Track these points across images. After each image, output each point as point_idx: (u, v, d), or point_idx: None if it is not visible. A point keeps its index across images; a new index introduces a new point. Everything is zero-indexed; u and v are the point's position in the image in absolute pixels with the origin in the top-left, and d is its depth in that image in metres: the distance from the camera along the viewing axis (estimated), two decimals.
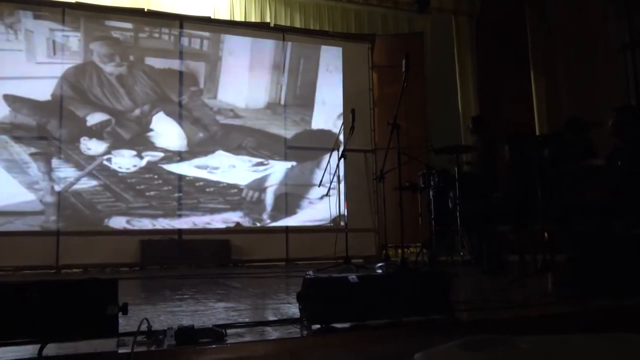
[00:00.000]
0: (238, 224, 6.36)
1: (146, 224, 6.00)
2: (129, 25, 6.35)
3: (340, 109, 7.06)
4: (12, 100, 5.67)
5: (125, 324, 1.87)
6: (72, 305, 1.65)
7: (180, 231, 6.14)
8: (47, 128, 5.77)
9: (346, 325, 1.95)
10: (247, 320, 2.11)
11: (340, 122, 6.38)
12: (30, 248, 5.56)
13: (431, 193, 5.12)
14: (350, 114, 5.09)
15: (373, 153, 7.15)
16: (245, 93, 6.67)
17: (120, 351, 1.65)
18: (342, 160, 5.17)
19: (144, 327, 1.76)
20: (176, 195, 6.18)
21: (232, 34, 6.86)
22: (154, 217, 6.03)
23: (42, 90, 5.79)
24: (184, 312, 2.46)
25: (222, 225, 6.27)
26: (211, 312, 2.45)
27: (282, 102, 6.85)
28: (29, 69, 5.77)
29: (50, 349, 1.61)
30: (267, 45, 6.94)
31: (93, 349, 1.66)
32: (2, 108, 5.64)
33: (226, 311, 2.48)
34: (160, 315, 2.32)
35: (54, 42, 5.92)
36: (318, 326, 1.92)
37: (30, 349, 1.60)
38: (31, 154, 5.68)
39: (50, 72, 5.85)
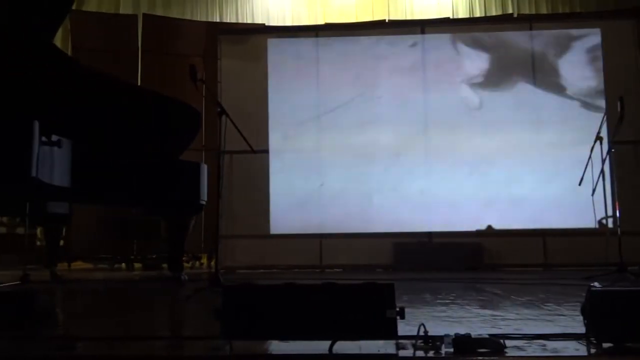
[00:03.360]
0: (490, 226, 6.13)
1: (399, 226, 6.19)
2: None
3: (602, 97, 6.29)
4: None
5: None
6: (355, 306, 1.77)
7: (430, 234, 6.18)
8: None
9: None
10: (523, 331, 2.00)
11: (602, 111, 5.67)
12: (299, 249, 6.22)
13: None
14: (617, 101, 4.51)
15: None
16: None
17: (400, 354, 1.72)
18: (608, 154, 4.61)
19: (416, 332, 1.80)
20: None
21: (475, 32, 6.64)
22: (406, 219, 6.19)
23: None
24: (451, 318, 2.45)
25: (473, 228, 6.12)
26: (479, 319, 2.39)
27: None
28: None
29: (340, 346, 1.75)
30: (513, 38, 6.54)
31: (376, 350, 1.75)
32: None
33: (494, 320, 2.39)
34: (428, 320, 2.34)
35: None
36: (609, 345, 1.72)
37: (322, 345, 1.76)
38: None
39: None
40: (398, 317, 1.76)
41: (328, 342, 1.75)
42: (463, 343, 1.69)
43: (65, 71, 3.67)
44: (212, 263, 7.18)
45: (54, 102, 3.64)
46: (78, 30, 7.13)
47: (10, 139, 2.99)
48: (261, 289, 1.84)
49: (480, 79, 6.41)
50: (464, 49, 6.45)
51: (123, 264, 7.01)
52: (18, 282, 4.23)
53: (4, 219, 7.06)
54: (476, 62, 6.42)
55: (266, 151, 6.32)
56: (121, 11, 8.62)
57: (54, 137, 3.21)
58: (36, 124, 3.02)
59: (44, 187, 3.18)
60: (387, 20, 7.62)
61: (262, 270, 6.10)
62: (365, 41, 6.57)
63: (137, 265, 6.90)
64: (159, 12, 8.86)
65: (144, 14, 7.79)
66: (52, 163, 3.23)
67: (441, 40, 6.50)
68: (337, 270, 6.17)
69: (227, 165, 6.27)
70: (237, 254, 6.21)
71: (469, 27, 6.78)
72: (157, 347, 2.00)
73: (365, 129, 6.37)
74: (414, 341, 1.75)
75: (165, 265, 6.45)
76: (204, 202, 4.33)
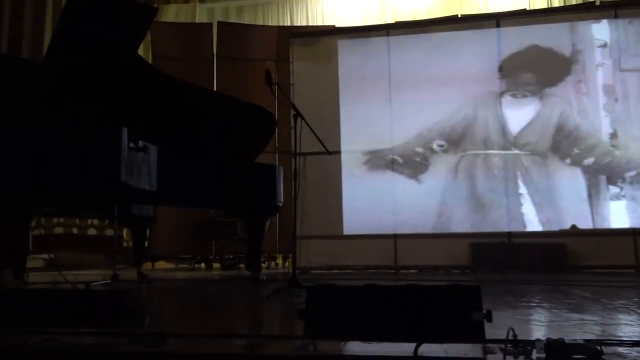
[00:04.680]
0: (574, 226, 5.82)
1: (476, 226, 6.01)
2: None
3: None
4: None
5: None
6: (440, 308, 1.73)
7: (509, 234, 5.96)
8: None
9: None
10: (620, 337, 1.88)
11: None
12: (373, 249, 6.18)
13: None
14: None
15: None
16: None
17: (488, 359, 1.66)
18: None
19: (504, 336, 1.74)
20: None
21: (552, 22, 6.34)
22: (483, 219, 6.01)
23: None
24: (538, 322, 2.35)
25: (555, 228, 5.84)
26: (569, 324, 2.28)
27: None
28: None
29: (424, 349, 1.71)
30: (590, 28, 6.17)
31: (463, 353, 1.71)
32: None
33: (586, 324, 2.26)
34: (513, 324, 2.25)
35: None
36: None
37: (406, 347, 1.74)
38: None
39: None
40: (485, 320, 1.70)
41: (411, 344, 1.73)
42: (556, 348, 1.61)
43: (149, 79, 3.85)
44: (287, 263, 7.31)
45: (138, 110, 3.83)
46: (158, 40, 7.46)
47: (101, 146, 3.17)
48: (344, 290, 1.84)
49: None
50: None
51: (202, 264, 7.27)
52: (109, 281, 4.48)
53: (95, 222, 7.53)
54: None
55: (339, 152, 6.33)
56: (197, 20, 8.93)
57: (140, 144, 3.38)
58: (124, 131, 3.19)
59: (131, 191, 3.35)
60: (459, 16, 7.44)
61: (336, 271, 6.13)
62: (437, 38, 6.44)
63: (215, 265, 7.13)
64: (233, 19, 9.11)
65: (218, 22, 8.03)
66: (139, 168, 3.39)
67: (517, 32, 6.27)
68: (412, 271, 6.08)
69: (301, 166, 6.34)
70: (311, 254, 6.27)
71: (547, 17, 6.48)
72: (241, 345, 2.04)
73: (438, 128, 6.25)
74: (502, 345, 1.69)
75: (242, 265, 6.64)
76: (280, 204, 4.41)
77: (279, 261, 7.55)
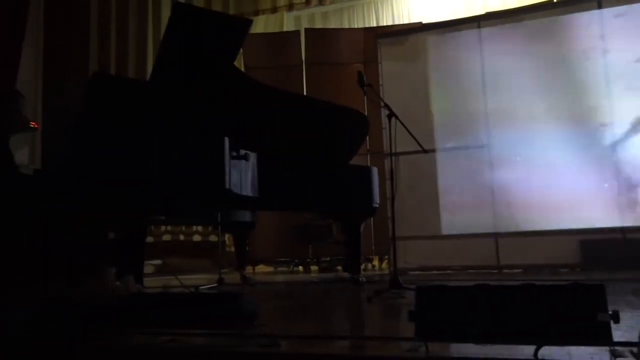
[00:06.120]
0: None
1: (584, 222, 5.64)
2: None
3: None
4: None
5: None
6: (561, 309, 1.65)
7: (623, 230, 5.54)
8: None
9: None
10: None
11: None
12: (473, 249, 5.98)
13: None
14: None
15: None
16: None
17: None
18: None
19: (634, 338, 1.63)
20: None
21: None
22: (593, 214, 5.63)
23: None
24: None
25: None
26: None
27: None
28: None
29: (545, 351, 1.64)
30: None
31: (588, 357, 1.61)
32: None
33: None
34: None
35: None
36: None
37: (525, 350, 1.67)
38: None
39: None
40: (611, 321, 1.60)
41: (530, 347, 1.65)
42: None
43: (246, 89, 4.00)
44: (384, 265, 7.27)
45: (238, 119, 3.98)
46: (249, 51, 7.72)
47: (206, 156, 3.33)
48: (455, 290, 1.80)
49: None
50: None
51: (300, 266, 7.42)
52: (215, 285, 4.68)
53: (199, 228, 7.93)
54: None
55: (434, 150, 6.19)
56: (285, 29, 9.14)
57: (241, 151, 3.51)
58: (226, 140, 3.33)
59: (235, 197, 3.49)
60: (555, 0, 7.04)
61: (435, 272, 6.00)
62: (533, 26, 6.14)
63: (312, 267, 7.24)
64: (319, 24, 9.25)
65: (305, 29, 8.17)
66: (241, 175, 3.52)
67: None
68: (516, 271, 5.82)
69: (395, 167, 6.28)
70: (409, 255, 6.17)
71: None
72: (352, 347, 2.06)
73: (538, 121, 5.94)
74: (634, 349, 1.58)
75: (339, 267, 6.70)
76: (376, 205, 4.40)
77: (375, 262, 7.53)
